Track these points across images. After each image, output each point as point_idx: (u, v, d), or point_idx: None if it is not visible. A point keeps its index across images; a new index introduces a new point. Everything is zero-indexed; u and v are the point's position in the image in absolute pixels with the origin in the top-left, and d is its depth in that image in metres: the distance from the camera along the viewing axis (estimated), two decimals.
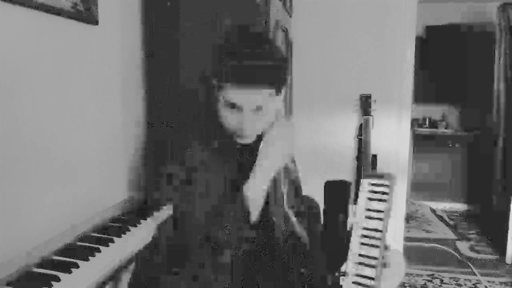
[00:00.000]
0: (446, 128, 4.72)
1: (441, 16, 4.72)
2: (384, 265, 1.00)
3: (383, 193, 1.01)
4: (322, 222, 1.54)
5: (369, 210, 1.02)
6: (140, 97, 1.87)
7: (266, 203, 1.01)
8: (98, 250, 1.11)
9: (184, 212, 0.98)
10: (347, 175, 2.79)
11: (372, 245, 0.99)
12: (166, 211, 1.49)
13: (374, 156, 2.72)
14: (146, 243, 1.26)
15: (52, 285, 0.92)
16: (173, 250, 0.97)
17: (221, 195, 0.99)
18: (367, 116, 2.65)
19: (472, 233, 3.74)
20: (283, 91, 1.03)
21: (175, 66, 1.78)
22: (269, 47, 0.99)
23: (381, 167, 2.75)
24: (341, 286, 1.02)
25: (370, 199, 1.03)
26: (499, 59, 4.24)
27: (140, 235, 1.27)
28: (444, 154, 4.54)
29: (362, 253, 1.00)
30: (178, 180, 1.00)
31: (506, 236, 3.11)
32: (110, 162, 1.63)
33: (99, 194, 1.55)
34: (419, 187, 4.63)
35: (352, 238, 1.03)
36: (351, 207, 2.54)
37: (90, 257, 1.07)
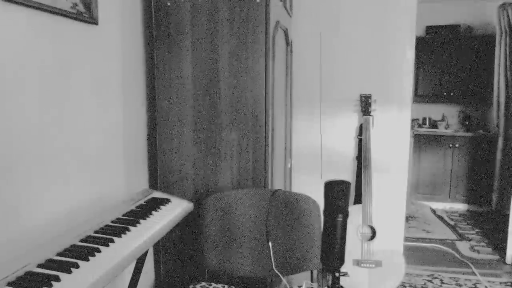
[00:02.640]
0: (446, 128, 4.72)
1: (441, 16, 4.72)
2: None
3: None
4: (322, 222, 1.54)
5: None
6: (140, 97, 1.87)
7: None
8: (98, 250, 1.11)
9: None
10: (347, 175, 2.79)
11: None
12: (165, 211, 1.49)
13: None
14: (146, 241, 1.26)
15: (52, 285, 0.92)
16: None
17: None
18: (367, 116, 2.65)
19: (472, 233, 3.74)
20: None
21: (176, 66, 1.78)
22: None
23: (381, 167, 2.75)
24: (342, 286, 1.02)
25: None
26: (499, 58, 4.24)
27: (140, 234, 1.27)
28: (444, 154, 4.53)
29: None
30: None
31: (506, 236, 3.11)
32: (110, 162, 1.63)
33: (99, 194, 1.55)
34: (419, 187, 4.63)
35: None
36: (351, 208, 2.54)
37: (90, 257, 1.07)
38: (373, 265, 2.47)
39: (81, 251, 1.10)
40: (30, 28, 1.19)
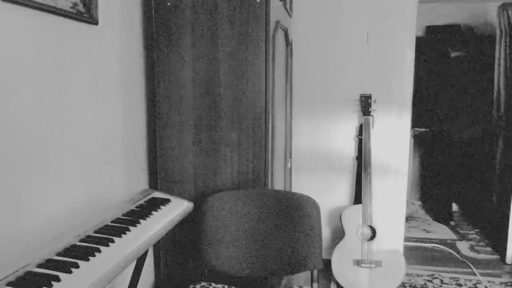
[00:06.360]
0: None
1: (441, 16, 4.72)
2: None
3: None
4: (321, 222, 1.54)
5: None
6: (140, 97, 1.87)
7: None
8: (98, 250, 1.11)
9: None
10: (347, 175, 2.79)
11: None
12: (165, 211, 1.49)
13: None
14: (146, 241, 1.26)
15: (52, 285, 0.92)
16: None
17: None
18: (367, 116, 2.65)
19: (472, 233, 3.74)
20: None
21: (176, 66, 1.78)
22: None
23: (381, 168, 2.75)
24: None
25: None
26: (499, 59, 4.24)
27: (140, 234, 1.27)
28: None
29: None
30: None
31: (506, 236, 3.11)
32: (109, 162, 1.63)
33: (99, 193, 1.55)
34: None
35: None
36: (351, 207, 2.54)
37: (90, 257, 1.07)
38: (373, 265, 2.47)
39: (81, 251, 1.10)
40: (30, 28, 1.19)
